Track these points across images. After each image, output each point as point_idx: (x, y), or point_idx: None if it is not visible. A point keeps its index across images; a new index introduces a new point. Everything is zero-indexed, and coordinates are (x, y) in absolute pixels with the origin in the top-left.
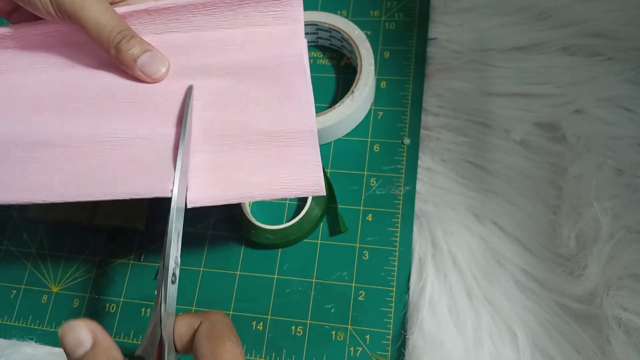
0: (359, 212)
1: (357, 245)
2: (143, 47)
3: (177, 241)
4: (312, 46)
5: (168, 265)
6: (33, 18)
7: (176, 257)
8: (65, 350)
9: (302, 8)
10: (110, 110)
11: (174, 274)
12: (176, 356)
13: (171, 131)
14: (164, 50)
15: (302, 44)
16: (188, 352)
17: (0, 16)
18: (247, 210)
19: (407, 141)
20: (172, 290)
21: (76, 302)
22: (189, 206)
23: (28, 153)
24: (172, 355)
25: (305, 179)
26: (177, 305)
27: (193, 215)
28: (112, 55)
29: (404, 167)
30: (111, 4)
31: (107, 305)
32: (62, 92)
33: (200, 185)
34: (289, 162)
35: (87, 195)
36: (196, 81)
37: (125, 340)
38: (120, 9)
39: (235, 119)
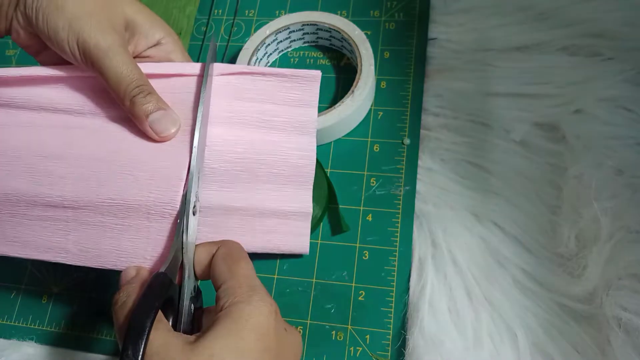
0: (359, 212)
1: (357, 245)
2: (158, 104)
3: (198, 178)
4: (313, 46)
5: (190, 198)
6: (60, 58)
7: (197, 192)
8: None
9: (317, 94)
10: (111, 170)
11: (194, 206)
12: (195, 282)
13: (169, 198)
14: (178, 111)
15: (313, 128)
16: (206, 277)
17: (29, 54)
18: None
19: (407, 141)
20: (192, 221)
21: (76, 302)
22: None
23: (42, 212)
24: (192, 280)
25: (294, 244)
26: None
27: None
28: (125, 107)
29: (403, 167)
30: (135, 57)
31: (108, 305)
32: (72, 142)
33: (205, 240)
34: (284, 232)
35: (91, 262)
36: (206, 148)
37: None
38: (143, 65)
39: (243, 196)
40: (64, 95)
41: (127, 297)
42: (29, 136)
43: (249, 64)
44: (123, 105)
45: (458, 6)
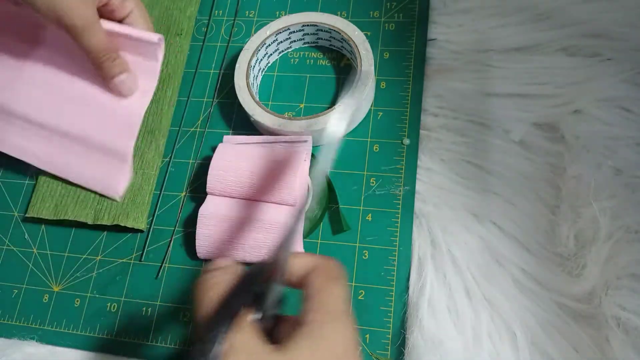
0: (359, 212)
1: (357, 244)
2: (122, 67)
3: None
4: (313, 47)
5: (304, 207)
6: None
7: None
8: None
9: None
10: (82, 112)
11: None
12: (281, 289)
13: (122, 144)
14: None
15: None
16: (295, 286)
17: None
18: None
19: (406, 141)
20: (300, 227)
21: (77, 301)
22: (199, 256)
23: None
24: (280, 285)
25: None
26: (175, 304)
27: (194, 216)
28: (95, 69)
29: (403, 167)
30: (102, 11)
31: (108, 304)
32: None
33: (206, 247)
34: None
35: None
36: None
37: (127, 340)
38: (107, 25)
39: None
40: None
41: (222, 278)
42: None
43: (249, 64)
44: (94, 67)
45: (457, 7)
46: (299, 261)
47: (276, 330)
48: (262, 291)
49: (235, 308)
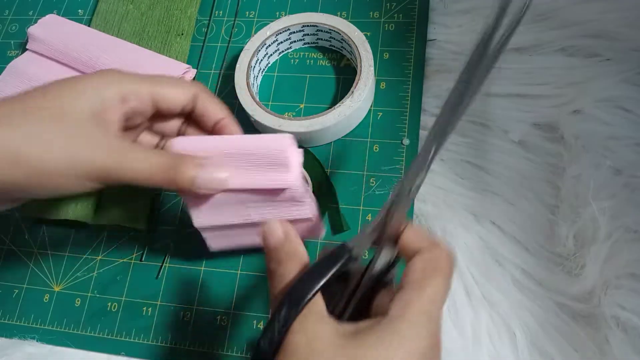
0: (359, 212)
1: None
2: (193, 167)
3: (426, 170)
4: (313, 47)
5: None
6: None
7: (421, 180)
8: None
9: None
10: None
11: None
12: (393, 254)
13: None
14: None
15: None
16: (402, 255)
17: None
18: None
19: (406, 141)
20: (406, 201)
21: (78, 301)
22: (195, 225)
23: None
24: (388, 254)
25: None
26: (175, 304)
27: None
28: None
29: (403, 167)
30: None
31: (109, 304)
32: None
33: (204, 216)
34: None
35: None
36: None
37: (127, 340)
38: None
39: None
40: None
41: (290, 270)
42: None
43: (249, 64)
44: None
45: (457, 7)
46: (412, 235)
47: (376, 298)
48: (348, 273)
49: (306, 294)
